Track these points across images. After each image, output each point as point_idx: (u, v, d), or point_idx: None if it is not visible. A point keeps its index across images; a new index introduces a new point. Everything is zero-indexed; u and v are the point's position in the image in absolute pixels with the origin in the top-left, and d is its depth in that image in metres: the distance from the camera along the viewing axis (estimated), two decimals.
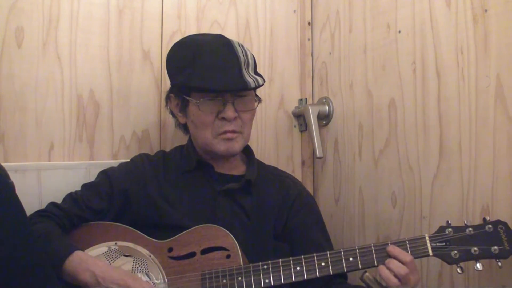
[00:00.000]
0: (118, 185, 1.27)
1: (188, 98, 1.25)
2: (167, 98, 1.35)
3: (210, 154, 1.29)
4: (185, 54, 1.26)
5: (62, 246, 1.10)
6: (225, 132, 1.24)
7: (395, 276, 1.05)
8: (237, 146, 1.27)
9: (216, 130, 1.24)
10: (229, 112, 1.22)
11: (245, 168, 1.35)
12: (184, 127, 1.35)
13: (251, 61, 1.26)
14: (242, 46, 1.27)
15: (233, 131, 1.24)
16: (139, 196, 1.26)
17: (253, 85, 1.22)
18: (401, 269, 1.05)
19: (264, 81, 1.28)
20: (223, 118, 1.23)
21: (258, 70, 1.31)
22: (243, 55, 1.24)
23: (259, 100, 1.31)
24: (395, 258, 1.07)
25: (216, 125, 1.24)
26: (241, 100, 1.25)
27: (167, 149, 1.44)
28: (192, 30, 1.60)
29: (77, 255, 1.08)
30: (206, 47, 1.24)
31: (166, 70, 1.34)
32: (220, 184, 1.29)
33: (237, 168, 1.35)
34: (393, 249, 1.08)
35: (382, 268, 1.07)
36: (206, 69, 1.20)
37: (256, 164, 1.36)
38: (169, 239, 1.18)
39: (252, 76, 1.24)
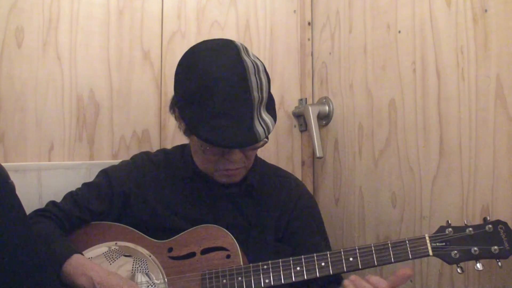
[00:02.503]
0: (118, 187, 1.26)
1: (193, 133, 1.16)
2: (172, 107, 1.25)
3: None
4: (191, 87, 1.12)
5: (61, 249, 1.10)
6: (228, 170, 1.21)
7: None
8: (238, 178, 1.25)
9: (218, 167, 1.21)
10: (235, 157, 1.18)
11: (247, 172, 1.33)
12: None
13: (265, 94, 1.15)
14: (257, 73, 1.13)
15: (236, 169, 1.22)
16: (139, 199, 1.26)
17: (262, 136, 1.14)
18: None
19: (275, 122, 1.19)
20: (227, 159, 1.19)
21: None
22: (258, 91, 1.12)
23: (267, 140, 1.20)
24: (371, 284, 1.04)
25: (220, 162, 1.20)
26: None
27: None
28: (192, 30, 1.60)
29: (76, 258, 1.08)
30: (216, 84, 1.09)
31: (173, 79, 1.20)
32: (221, 188, 1.27)
33: None
34: (372, 277, 1.05)
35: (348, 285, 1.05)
36: (214, 118, 1.09)
37: (258, 166, 1.34)
38: (169, 239, 1.18)
39: (263, 122, 1.14)
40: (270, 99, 1.20)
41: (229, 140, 1.10)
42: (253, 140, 1.12)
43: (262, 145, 1.21)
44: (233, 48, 1.15)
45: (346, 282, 1.06)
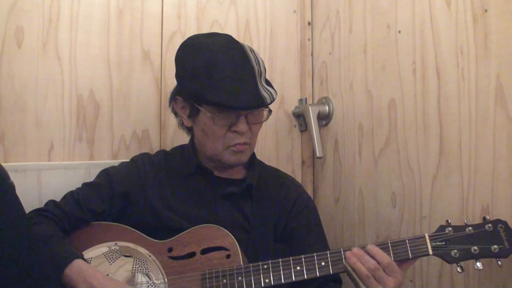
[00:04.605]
0: (119, 187, 1.26)
1: (200, 108, 1.22)
2: (172, 98, 1.31)
3: (216, 162, 1.28)
4: (196, 62, 1.20)
5: (62, 253, 1.09)
6: (236, 144, 1.23)
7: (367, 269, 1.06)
8: (245, 157, 1.27)
9: (227, 142, 1.23)
10: (242, 126, 1.21)
11: (246, 172, 1.34)
12: (188, 129, 1.34)
13: (263, 70, 1.24)
14: (253, 51, 1.23)
15: (244, 143, 1.24)
16: (139, 199, 1.26)
17: (269, 100, 1.21)
18: (370, 263, 1.06)
19: (277, 93, 1.26)
20: (235, 131, 1.22)
21: None
22: (256, 64, 1.21)
23: (270, 111, 1.27)
24: (372, 257, 1.07)
25: (227, 137, 1.22)
26: (254, 113, 1.23)
27: (167, 149, 1.43)
28: (192, 30, 1.60)
29: (76, 264, 1.07)
30: (218, 56, 1.19)
31: (175, 71, 1.28)
32: (221, 188, 1.28)
33: (238, 172, 1.34)
34: (372, 248, 1.08)
35: (351, 257, 1.08)
36: (221, 82, 1.16)
37: (257, 167, 1.35)
38: (169, 239, 1.18)
39: (266, 89, 1.22)
40: (269, 82, 1.28)
41: (238, 102, 1.16)
42: (260, 102, 1.19)
43: (267, 118, 1.27)
44: (225, 35, 1.27)
45: (348, 253, 1.08)
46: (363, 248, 1.09)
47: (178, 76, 1.27)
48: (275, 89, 1.27)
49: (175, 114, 1.33)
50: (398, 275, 1.06)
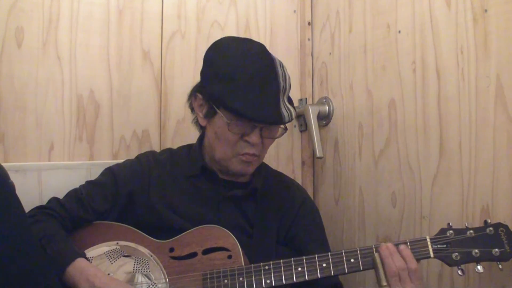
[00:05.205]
0: (123, 187, 1.26)
1: (217, 111, 1.21)
2: (193, 94, 1.30)
3: (221, 167, 1.27)
4: (222, 65, 1.21)
5: (64, 252, 1.09)
6: (245, 154, 1.23)
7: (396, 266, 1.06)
8: (252, 168, 1.27)
9: (237, 150, 1.22)
10: (255, 138, 1.21)
11: (251, 175, 1.33)
12: (201, 127, 1.33)
13: (288, 87, 1.23)
14: (282, 66, 1.23)
15: (253, 155, 1.23)
16: (143, 199, 1.26)
17: (287, 119, 1.20)
18: (401, 263, 1.06)
19: (296, 113, 1.26)
20: (247, 141, 1.21)
21: None
22: (283, 80, 1.21)
23: (286, 130, 1.27)
24: (403, 258, 1.07)
25: (238, 145, 1.22)
26: (269, 128, 1.23)
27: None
28: (192, 30, 1.60)
29: (79, 263, 1.07)
30: (246, 63, 1.19)
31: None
32: (225, 190, 1.28)
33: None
34: (405, 249, 1.09)
35: (385, 250, 1.08)
36: (242, 90, 1.16)
37: (263, 170, 1.34)
38: (170, 239, 1.18)
39: (287, 107, 1.21)
40: (290, 99, 1.27)
41: (256, 114, 1.16)
42: (278, 119, 1.19)
43: (281, 135, 1.27)
44: (259, 44, 1.26)
45: (383, 246, 1.09)
46: (396, 246, 1.09)
47: (202, 74, 1.26)
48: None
49: (192, 109, 1.32)
50: (419, 283, 1.07)
